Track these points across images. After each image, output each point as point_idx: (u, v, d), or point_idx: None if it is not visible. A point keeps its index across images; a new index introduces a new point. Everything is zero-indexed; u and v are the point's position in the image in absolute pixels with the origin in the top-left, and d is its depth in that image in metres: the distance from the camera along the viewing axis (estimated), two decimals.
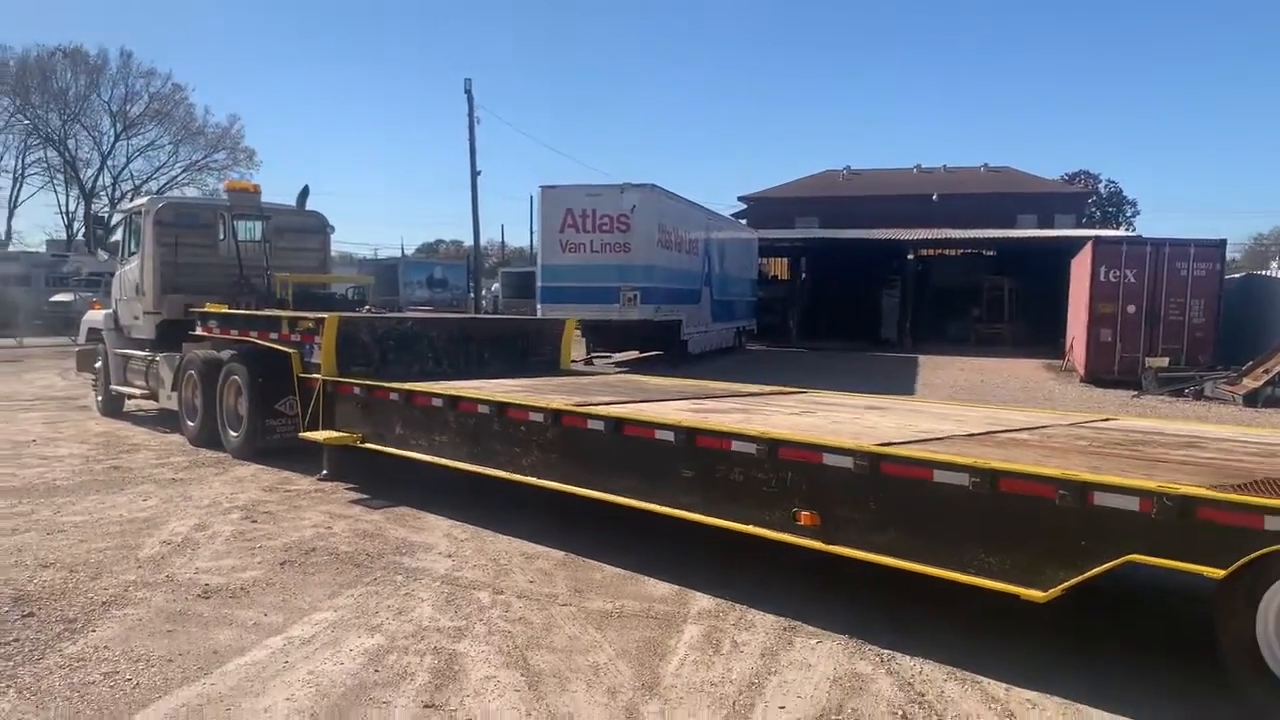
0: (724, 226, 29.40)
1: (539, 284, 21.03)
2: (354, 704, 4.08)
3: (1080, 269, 22.57)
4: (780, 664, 4.59)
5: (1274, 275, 22.56)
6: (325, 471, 8.81)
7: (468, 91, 39.12)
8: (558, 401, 6.83)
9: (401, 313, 12.37)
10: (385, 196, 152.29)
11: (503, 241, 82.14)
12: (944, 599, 5.10)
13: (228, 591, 5.62)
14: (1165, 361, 19.75)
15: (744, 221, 47.56)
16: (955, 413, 7.19)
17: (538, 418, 6.69)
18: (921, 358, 28.12)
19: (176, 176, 60.10)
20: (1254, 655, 3.84)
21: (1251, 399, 17.48)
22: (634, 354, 24.43)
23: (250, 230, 12.51)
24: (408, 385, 7.97)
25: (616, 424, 6.18)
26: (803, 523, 5.11)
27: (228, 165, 60.03)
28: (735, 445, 5.47)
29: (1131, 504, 4.01)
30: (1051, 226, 43.66)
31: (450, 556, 6.45)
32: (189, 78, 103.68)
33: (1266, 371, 18.06)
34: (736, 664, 4.59)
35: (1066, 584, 4.15)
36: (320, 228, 13.49)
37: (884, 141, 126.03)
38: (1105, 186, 64.22)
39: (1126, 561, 4.02)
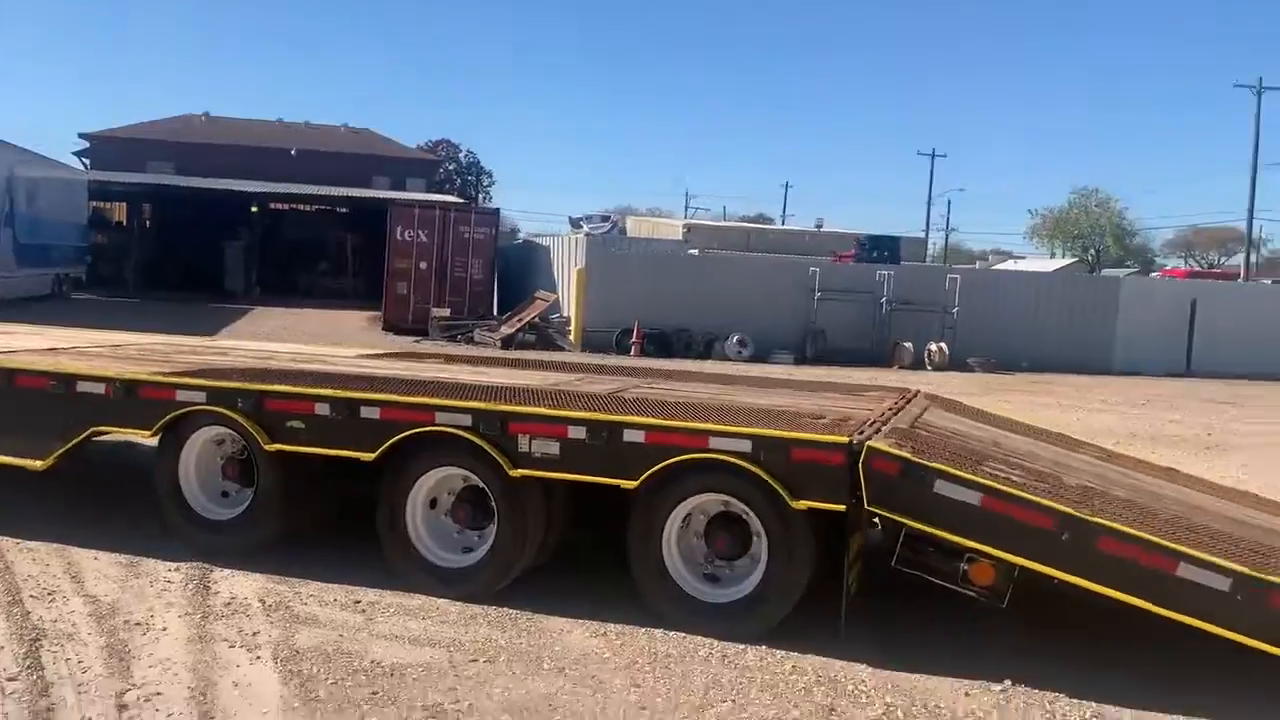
0: (34, 163, 27.06)
1: None
2: None
3: None
4: None
5: (540, 242, 27.23)
6: None
7: None
8: None
9: None
10: None
11: None
12: None
13: None
14: (448, 312, 22.93)
15: (86, 162, 43.73)
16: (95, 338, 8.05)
17: None
18: (257, 309, 28.73)
19: None
20: (179, 494, 5.35)
21: (507, 342, 21.20)
22: None
23: None
24: None
25: None
26: None
27: None
28: None
29: (99, 389, 5.33)
30: (404, 189, 46.79)
31: None
32: None
33: (519, 320, 22.03)
34: None
35: (57, 453, 5.38)
36: None
37: (247, 89, 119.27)
38: (465, 156, 69.86)
39: (95, 431, 5.36)
